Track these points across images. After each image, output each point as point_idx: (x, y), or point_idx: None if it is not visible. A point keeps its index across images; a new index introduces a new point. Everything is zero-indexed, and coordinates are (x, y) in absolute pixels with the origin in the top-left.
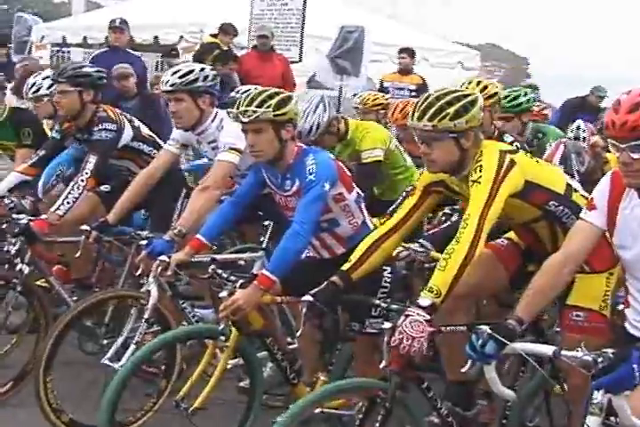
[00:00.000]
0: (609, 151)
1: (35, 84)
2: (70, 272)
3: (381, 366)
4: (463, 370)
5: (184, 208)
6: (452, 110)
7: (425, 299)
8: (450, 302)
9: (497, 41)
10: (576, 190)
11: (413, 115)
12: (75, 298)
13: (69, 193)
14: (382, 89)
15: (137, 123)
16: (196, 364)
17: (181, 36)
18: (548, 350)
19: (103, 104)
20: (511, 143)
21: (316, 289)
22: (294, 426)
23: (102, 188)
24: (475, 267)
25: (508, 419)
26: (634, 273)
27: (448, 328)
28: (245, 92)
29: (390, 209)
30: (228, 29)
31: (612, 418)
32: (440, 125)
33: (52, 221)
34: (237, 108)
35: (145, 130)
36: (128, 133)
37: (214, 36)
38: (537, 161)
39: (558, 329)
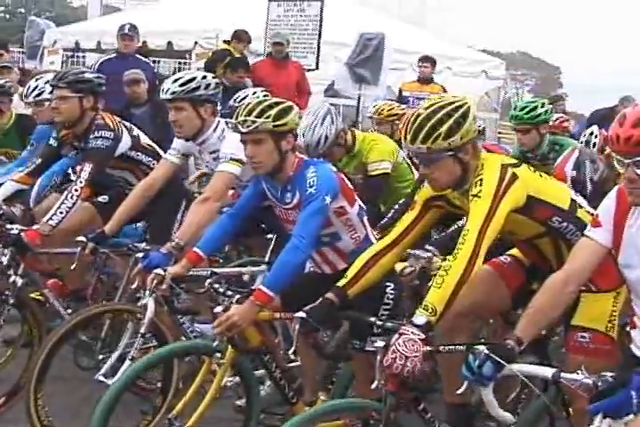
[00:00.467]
0: None
1: (37, 87)
2: (66, 285)
3: (373, 385)
4: (459, 392)
5: (184, 220)
6: (444, 129)
7: (420, 317)
8: (449, 321)
9: (527, 49)
10: (581, 206)
11: (406, 136)
12: (69, 311)
13: (62, 203)
14: (401, 98)
15: (136, 132)
16: (193, 381)
17: (196, 42)
18: (547, 372)
19: (109, 111)
20: None
21: (310, 306)
22: None
23: (100, 198)
24: (476, 285)
25: None
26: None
27: (446, 348)
28: (243, 98)
29: (380, 223)
30: (241, 36)
31: None
32: (434, 146)
33: (44, 232)
34: (236, 118)
35: (145, 139)
36: (126, 142)
37: (227, 42)
38: (540, 175)
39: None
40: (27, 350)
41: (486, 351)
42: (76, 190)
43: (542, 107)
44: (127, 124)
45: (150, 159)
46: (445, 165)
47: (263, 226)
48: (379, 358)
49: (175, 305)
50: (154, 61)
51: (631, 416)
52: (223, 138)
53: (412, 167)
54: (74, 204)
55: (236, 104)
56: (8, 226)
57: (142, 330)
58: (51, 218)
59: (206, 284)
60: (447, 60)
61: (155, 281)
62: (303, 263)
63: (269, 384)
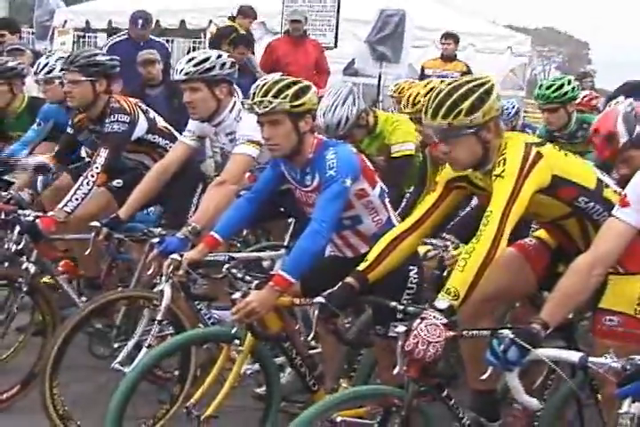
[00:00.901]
0: None
1: (47, 64)
2: (78, 267)
3: (395, 371)
4: (483, 377)
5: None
6: (466, 105)
7: (442, 301)
8: (473, 306)
9: (555, 24)
10: (607, 186)
11: (426, 113)
12: (83, 299)
13: (78, 189)
14: (423, 77)
15: (152, 114)
16: (212, 369)
17: (210, 21)
18: (574, 356)
19: (124, 93)
20: None
21: (330, 290)
22: None
23: (114, 183)
24: (500, 268)
25: None
26: None
27: (470, 333)
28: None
29: (400, 209)
30: (247, 12)
31: None
32: (456, 122)
33: (60, 219)
34: (252, 99)
35: (161, 122)
36: (142, 126)
37: (232, 19)
38: (565, 154)
39: None
40: (38, 337)
41: (511, 336)
42: (92, 176)
43: (569, 84)
44: (143, 106)
45: (167, 142)
46: (466, 144)
47: (282, 209)
48: (400, 343)
49: (192, 291)
50: (166, 41)
51: None
52: (240, 119)
53: None
54: (89, 190)
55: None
56: (21, 212)
57: (159, 317)
58: (66, 204)
59: (224, 269)
60: (470, 36)
61: (171, 267)
62: (323, 248)
63: (290, 372)
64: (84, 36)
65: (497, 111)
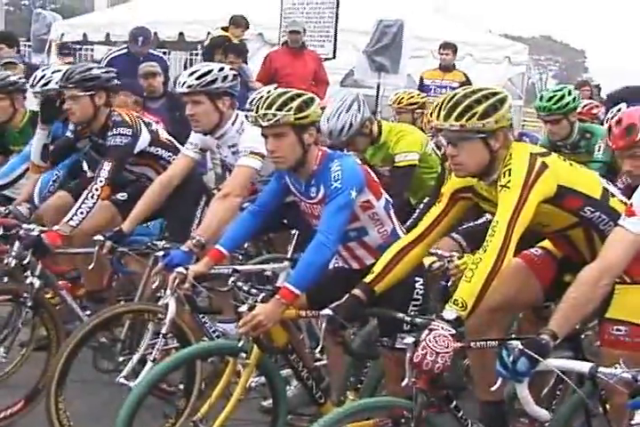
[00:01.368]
0: None
1: (44, 76)
2: (78, 287)
3: (403, 383)
4: (493, 389)
5: (203, 217)
6: (480, 109)
7: (450, 312)
8: (480, 316)
9: (551, 33)
10: (613, 195)
11: (439, 114)
12: (88, 313)
13: (83, 202)
14: (422, 87)
15: (155, 127)
16: (218, 382)
17: (208, 33)
18: (584, 367)
19: (139, 103)
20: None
21: (337, 303)
22: None
23: (119, 196)
24: (506, 279)
25: None
26: None
27: (478, 344)
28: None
29: (407, 224)
30: (238, 21)
31: None
32: (468, 125)
33: (65, 233)
34: (256, 112)
35: (164, 134)
36: (145, 138)
37: (225, 29)
38: (570, 164)
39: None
40: (41, 352)
41: (520, 347)
42: (97, 190)
43: (569, 95)
44: (146, 119)
45: (170, 154)
46: (475, 149)
47: (285, 221)
48: (408, 354)
49: (197, 304)
50: (164, 53)
51: None
52: (242, 131)
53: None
54: (94, 203)
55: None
56: (25, 226)
57: (164, 330)
58: (71, 218)
59: (230, 282)
60: (468, 46)
61: (177, 280)
62: (330, 260)
63: (296, 385)
64: (80, 49)
65: (508, 121)
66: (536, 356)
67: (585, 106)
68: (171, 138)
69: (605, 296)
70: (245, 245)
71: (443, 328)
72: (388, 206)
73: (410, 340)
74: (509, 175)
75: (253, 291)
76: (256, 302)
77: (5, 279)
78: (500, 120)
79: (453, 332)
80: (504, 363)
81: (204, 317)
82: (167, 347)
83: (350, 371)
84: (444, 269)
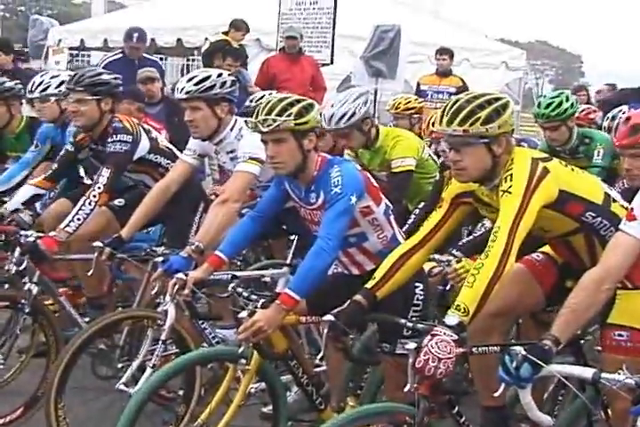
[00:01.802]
0: None
1: (42, 82)
2: (78, 295)
3: (406, 389)
4: (496, 394)
5: (202, 222)
6: (483, 114)
7: (452, 317)
8: (482, 322)
9: (547, 38)
10: (615, 200)
11: (442, 119)
12: (86, 319)
13: (80, 209)
14: (419, 92)
15: (154, 134)
16: (217, 388)
17: (206, 39)
18: (587, 372)
19: (141, 110)
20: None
21: (339, 309)
22: None
23: (116, 202)
24: (508, 284)
25: None
26: None
27: (480, 349)
28: (260, 99)
29: (404, 229)
30: (238, 25)
31: None
32: (471, 130)
33: (61, 239)
34: (256, 117)
35: (163, 142)
36: (144, 145)
37: (225, 33)
38: (572, 169)
39: (599, 349)
40: (40, 359)
41: (523, 352)
42: (95, 196)
43: (567, 101)
44: (146, 126)
45: (169, 161)
46: (477, 154)
47: (284, 227)
48: (410, 360)
49: (197, 310)
50: (160, 59)
51: None
52: (241, 137)
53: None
54: (92, 210)
55: (253, 104)
56: (23, 232)
57: (163, 337)
58: (68, 224)
59: (230, 288)
60: (465, 51)
61: (176, 286)
62: (330, 266)
63: (296, 391)
64: (78, 55)
65: (510, 127)
66: (539, 361)
67: (582, 111)
68: (170, 146)
69: (607, 301)
70: (244, 252)
71: (445, 334)
72: (387, 212)
73: (412, 345)
74: (511, 180)
75: (253, 297)
76: (256, 307)
77: (6, 286)
78: (502, 125)
79: (456, 337)
80: (507, 369)
81: (203, 323)
82: (167, 353)
83: (349, 377)
84: (443, 273)
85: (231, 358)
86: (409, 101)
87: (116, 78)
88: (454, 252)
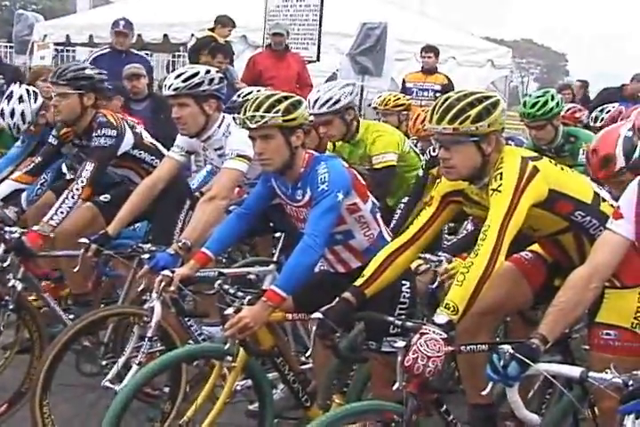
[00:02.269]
0: None
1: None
2: (59, 287)
3: (394, 387)
4: (484, 393)
5: (188, 220)
6: (473, 112)
7: (441, 316)
8: (471, 320)
9: (533, 36)
10: (604, 200)
11: (432, 117)
12: (71, 316)
13: (63, 202)
14: (404, 89)
15: (139, 129)
16: (203, 386)
17: (192, 35)
18: (575, 371)
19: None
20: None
21: (327, 306)
22: None
23: (102, 198)
24: (497, 282)
25: None
26: None
27: (468, 347)
28: (247, 95)
29: (391, 226)
30: (224, 21)
31: None
32: (461, 128)
33: (45, 233)
34: (244, 114)
35: (148, 137)
36: (129, 140)
37: (212, 29)
38: (562, 168)
39: (586, 347)
40: (23, 355)
41: (511, 351)
42: (77, 190)
43: (552, 99)
44: (130, 121)
45: (153, 158)
46: (467, 152)
47: (271, 224)
48: (399, 358)
49: (183, 307)
50: (146, 54)
51: None
52: (229, 134)
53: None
54: (74, 203)
55: (240, 99)
56: (7, 228)
57: (149, 334)
58: (51, 218)
59: (216, 285)
60: (452, 49)
61: (163, 283)
62: (316, 262)
63: (282, 388)
64: (63, 51)
65: (500, 125)
66: (527, 360)
67: (568, 110)
68: (154, 142)
69: (595, 299)
70: (230, 249)
71: (434, 332)
72: (374, 209)
73: (401, 344)
74: (501, 179)
75: (240, 294)
76: (242, 304)
77: None
78: (492, 124)
79: (445, 336)
80: (494, 367)
81: (189, 320)
82: (152, 350)
83: (335, 374)
84: (432, 272)
85: (217, 355)
86: (398, 98)
87: (100, 73)
88: (442, 254)
